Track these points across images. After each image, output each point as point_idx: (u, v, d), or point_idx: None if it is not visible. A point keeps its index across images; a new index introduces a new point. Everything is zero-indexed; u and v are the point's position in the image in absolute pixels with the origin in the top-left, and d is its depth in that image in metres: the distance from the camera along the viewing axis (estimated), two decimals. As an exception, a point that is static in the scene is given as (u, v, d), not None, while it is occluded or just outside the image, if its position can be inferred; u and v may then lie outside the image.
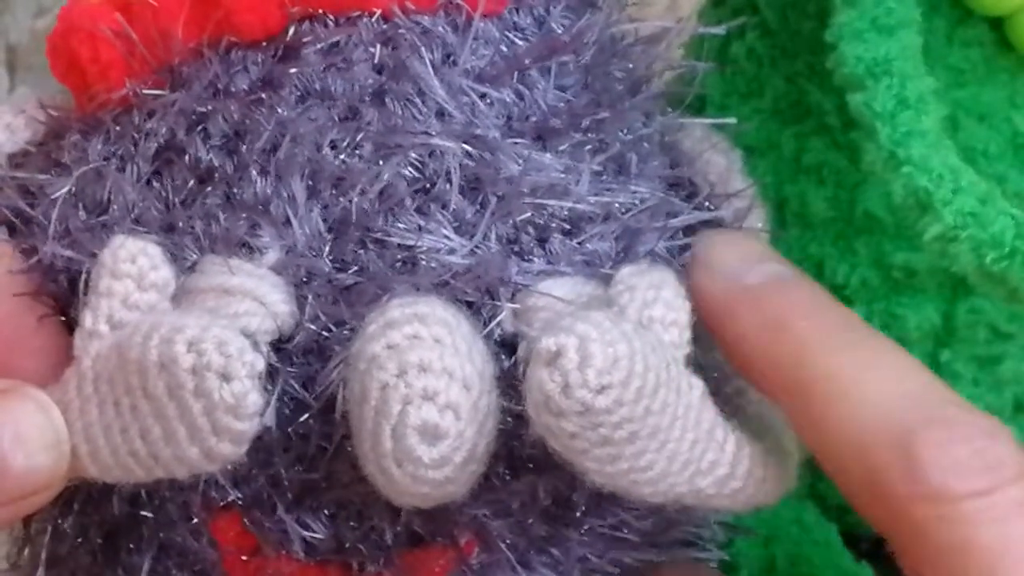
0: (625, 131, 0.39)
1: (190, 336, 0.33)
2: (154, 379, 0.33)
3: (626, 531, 0.39)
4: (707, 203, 0.41)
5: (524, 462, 0.37)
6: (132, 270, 0.35)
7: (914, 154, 0.39)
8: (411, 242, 0.35)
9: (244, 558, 0.37)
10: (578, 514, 0.38)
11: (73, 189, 0.38)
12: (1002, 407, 0.48)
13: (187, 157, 0.37)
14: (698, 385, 0.35)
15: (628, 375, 0.32)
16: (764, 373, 0.36)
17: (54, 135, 0.40)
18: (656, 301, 0.36)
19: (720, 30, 0.44)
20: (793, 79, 0.47)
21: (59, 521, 0.39)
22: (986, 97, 0.46)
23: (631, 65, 0.40)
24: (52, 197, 0.38)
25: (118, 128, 0.38)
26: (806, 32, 0.46)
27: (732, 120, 0.43)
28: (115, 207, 0.37)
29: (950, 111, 0.45)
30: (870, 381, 0.34)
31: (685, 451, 0.35)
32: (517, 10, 0.39)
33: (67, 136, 0.39)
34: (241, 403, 0.33)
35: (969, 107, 0.45)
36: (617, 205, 0.38)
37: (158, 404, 0.33)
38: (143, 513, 0.37)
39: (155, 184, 0.37)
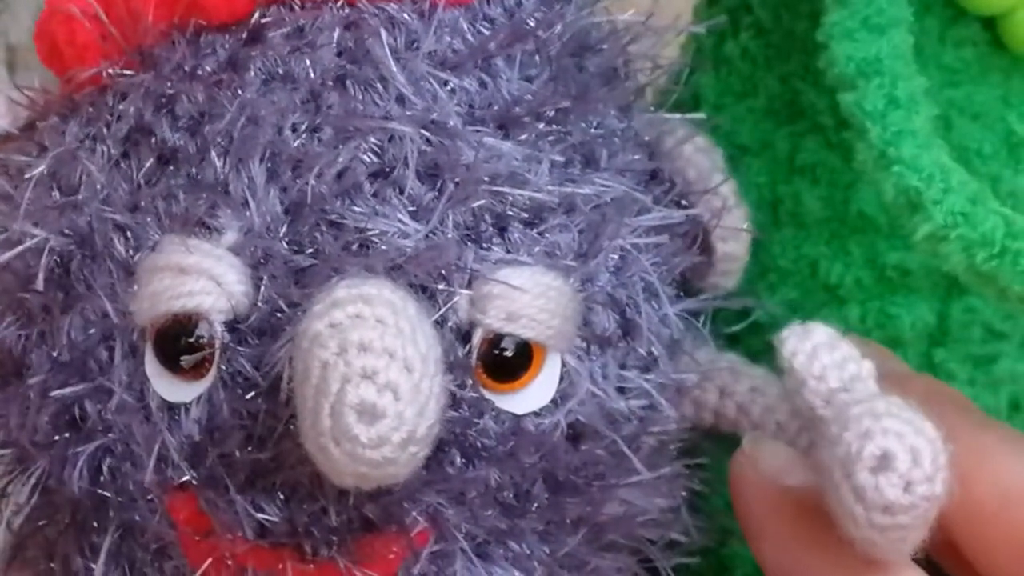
0: (595, 124, 0.39)
1: None
2: None
3: (585, 527, 0.39)
4: (681, 200, 0.41)
5: (478, 451, 0.37)
6: None
7: (905, 154, 0.39)
8: (363, 224, 0.35)
9: (197, 538, 0.37)
10: (536, 507, 0.38)
11: (47, 170, 0.38)
12: (998, 407, 0.47)
13: (153, 138, 0.37)
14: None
15: (943, 456, 0.33)
16: None
17: (40, 119, 0.41)
18: (845, 360, 0.36)
19: (701, 28, 0.44)
20: (787, 79, 0.47)
21: (19, 499, 0.39)
22: (979, 97, 0.45)
23: (605, 59, 0.40)
24: (26, 177, 0.38)
25: (92, 110, 0.39)
26: (800, 32, 0.46)
27: (702, 116, 0.42)
28: (85, 186, 0.37)
29: (943, 111, 0.44)
30: (1015, 454, 0.35)
31: None
32: (488, 1, 0.38)
33: (47, 119, 0.39)
34: None
35: (962, 107, 0.45)
36: (580, 197, 0.37)
37: None
38: (105, 492, 0.37)
39: (123, 165, 0.37)
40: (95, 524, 0.38)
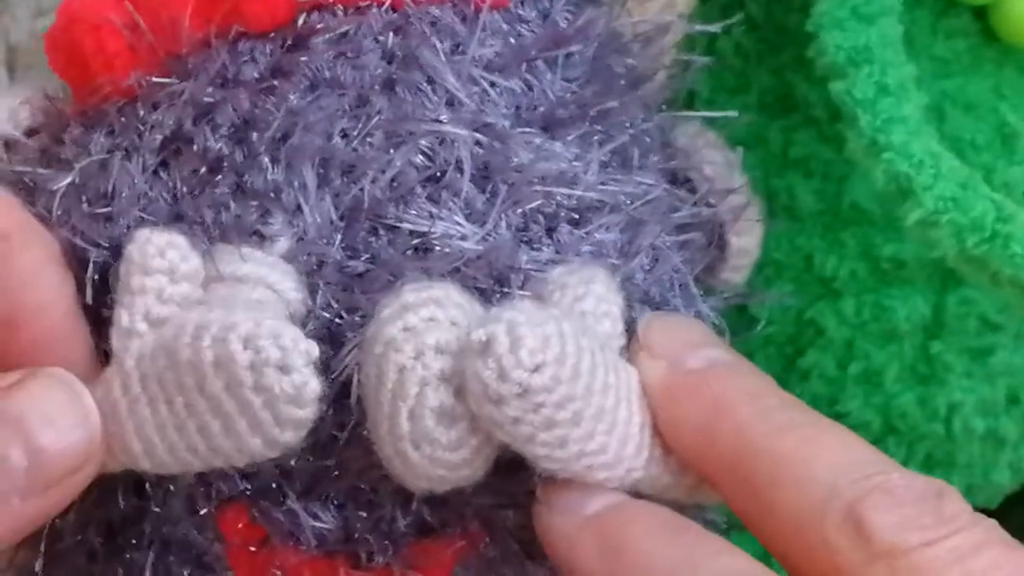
0: (628, 124, 0.41)
1: (244, 332, 0.34)
2: (211, 378, 0.34)
3: None
4: (706, 199, 0.42)
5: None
6: (163, 265, 0.36)
7: (895, 140, 0.41)
8: (424, 228, 0.36)
9: (252, 549, 0.38)
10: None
11: (75, 181, 0.39)
12: (995, 399, 0.50)
13: (195, 147, 0.38)
14: (635, 372, 0.37)
15: (561, 352, 0.34)
16: (705, 457, 0.36)
17: (48, 128, 0.41)
18: (587, 295, 0.37)
19: (715, 28, 0.45)
20: (779, 73, 0.49)
21: (57, 519, 0.40)
22: (972, 87, 0.47)
23: (631, 60, 0.42)
24: (53, 189, 0.38)
25: (123, 120, 0.39)
26: (791, 25, 0.48)
27: (733, 114, 0.44)
28: (122, 197, 0.38)
29: (936, 102, 0.46)
30: (812, 460, 0.34)
31: (636, 434, 0.36)
32: (522, 3, 0.40)
33: (68, 130, 0.40)
34: (302, 392, 0.34)
35: (955, 97, 0.47)
36: (623, 196, 0.39)
37: (216, 401, 0.34)
38: (149, 508, 0.38)
39: (162, 175, 0.38)
40: (133, 541, 0.39)
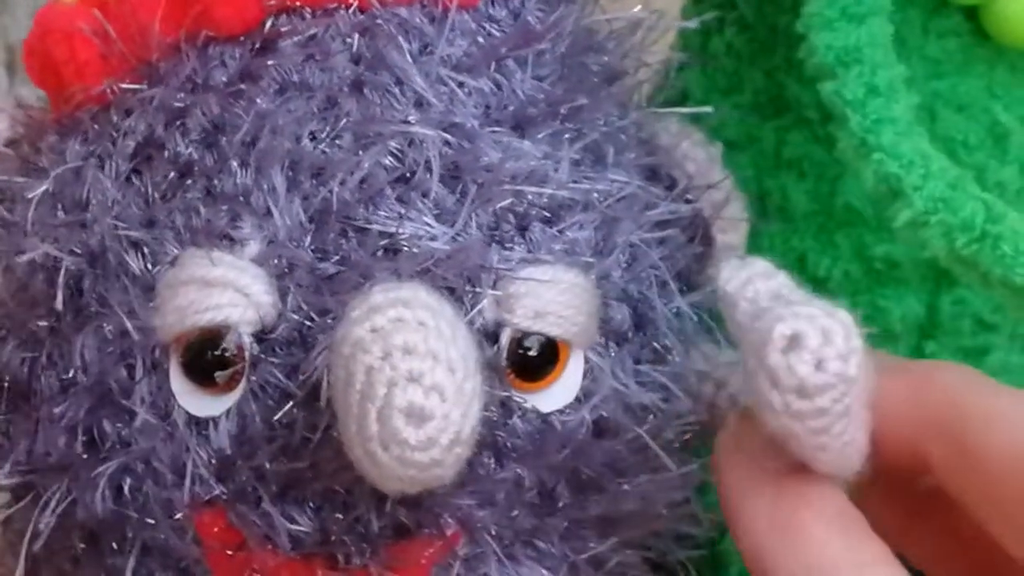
0: (602, 122, 0.41)
1: None
2: None
3: (608, 526, 0.41)
4: (685, 196, 0.43)
5: (509, 451, 0.38)
6: None
7: (884, 141, 0.41)
8: (393, 229, 0.37)
9: (229, 553, 0.38)
10: (561, 505, 0.40)
11: (51, 189, 0.39)
12: (991, 400, 0.49)
13: (166, 152, 0.39)
14: None
15: (858, 340, 0.34)
16: (912, 426, 0.36)
17: (27, 137, 0.42)
18: (780, 287, 0.37)
19: (694, 23, 0.46)
20: (772, 73, 0.49)
21: (38, 525, 0.40)
22: (964, 87, 0.48)
23: (605, 58, 0.42)
24: (28, 197, 0.39)
25: (96, 127, 0.40)
26: (783, 26, 0.48)
27: (708, 109, 0.44)
28: (95, 204, 0.39)
29: (928, 102, 0.46)
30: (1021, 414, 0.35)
31: (864, 423, 0.36)
32: (492, 2, 0.41)
33: (44, 138, 0.41)
34: None
35: (947, 98, 0.48)
36: (596, 194, 0.40)
37: None
38: (129, 513, 0.39)
39: (135, 181, 0.39)
40: (114, 546, 0.40)
